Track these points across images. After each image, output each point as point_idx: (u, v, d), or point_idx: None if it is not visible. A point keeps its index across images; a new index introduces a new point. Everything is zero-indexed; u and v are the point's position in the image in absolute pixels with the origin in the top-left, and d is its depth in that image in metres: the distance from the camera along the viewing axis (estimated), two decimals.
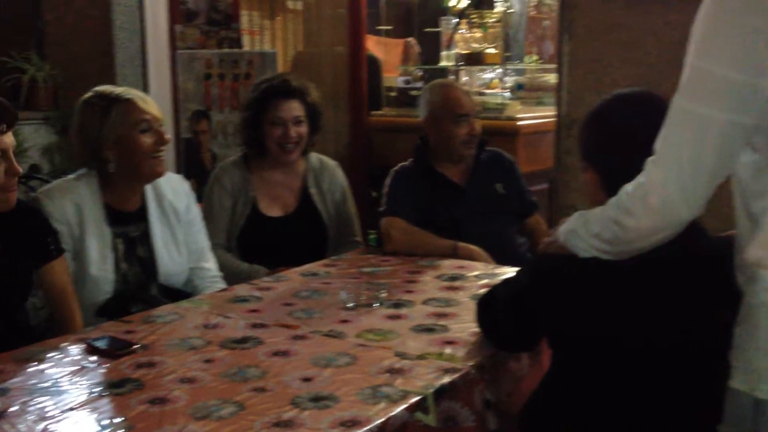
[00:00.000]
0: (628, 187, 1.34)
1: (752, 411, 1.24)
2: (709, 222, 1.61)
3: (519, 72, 4.78)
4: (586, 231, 1.45)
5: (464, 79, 5.06)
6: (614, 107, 1.56)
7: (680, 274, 1.47)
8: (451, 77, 4.80)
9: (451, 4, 4.66)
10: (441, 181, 2.71)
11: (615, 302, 1.47)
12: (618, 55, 2.69)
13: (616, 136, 1.51)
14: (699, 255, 1.50)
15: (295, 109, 2.65)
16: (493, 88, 4.60)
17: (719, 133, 1.21)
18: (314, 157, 2.79)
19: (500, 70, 4.23)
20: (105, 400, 1.45)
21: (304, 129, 2.67)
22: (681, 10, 2.54)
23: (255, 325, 1.83)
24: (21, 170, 1.84)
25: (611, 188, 1.49)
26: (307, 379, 1.51)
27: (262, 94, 2.66)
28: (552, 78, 3.46)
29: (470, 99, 2.78)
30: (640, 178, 1.32)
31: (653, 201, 1.28)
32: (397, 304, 2.00)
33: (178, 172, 4.04)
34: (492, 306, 1.69)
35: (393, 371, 1.55)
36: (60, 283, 2.00)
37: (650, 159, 1.30)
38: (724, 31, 1.19)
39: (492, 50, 4.01)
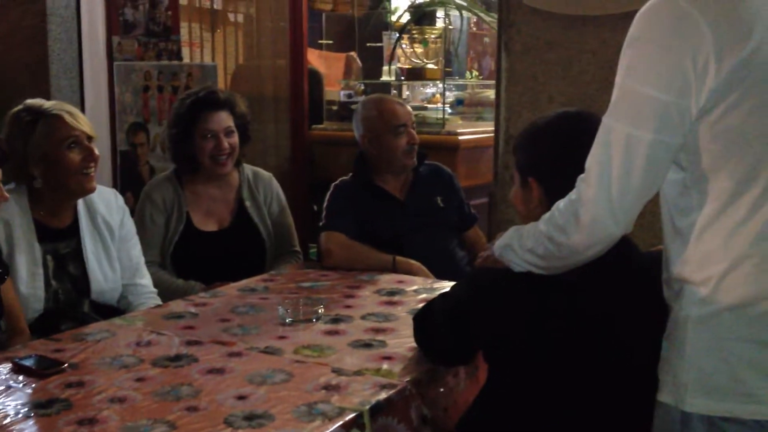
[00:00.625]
0: (560, 204, 1.37)
1: (680, 425, 1.26)
2: (643, 237, 1.65)
3: (460, 87, 4.82)
4: (520, 246, 1.47)
5: (406, 93, 5.09)
6: (562, 124, 1.58)
7: (613, 289, 1.50)
8: (394, 92, 4.82)
9: (393, 19, 4.68)
10: (381, 195, 2.71)
11: (550, 316, 1.48)
12: (554, 73, 2.74)
13: (566, 151, 1.53)
14: (631, 270, 1.53)
15: (225, 120, 2.63)
16: (434, 103, 4.63)
17: (646, 152, 1.23)
18: (248, 169, 2.78)
19: (442, 86, 4.26)
20: (31, 422, 1.40)
21: (235, 140, 2.65)
22: (614, 30, 2.60)
23: (189, 342, 1.80)
24: None
25: (554, 202, 1.52)
26: (241, 397, 1.49)
27: (190, 108, 2.63)
28: (491, 94, 3.51)
29: (405, 109, 2.80)
30: (571, 195, 1.35)
31: (584, 218, 1.30)
32: (336, 320, 1.99)
33: (115, 185, 3.97)
34: (429, 320, 1.69)
35: (329, 388, 1.54)
36: (8, 300, 1.95)
37: (581, 177, 1.33)
38: (651, 53, 1.22)
39: (433, 66, 4.04)
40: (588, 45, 2.66)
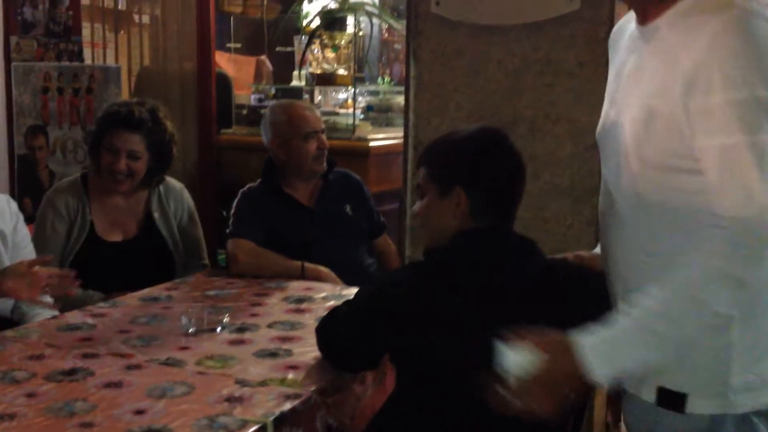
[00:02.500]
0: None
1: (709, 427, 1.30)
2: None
3: (372, 93, 4.83)
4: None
5: (318, 98, 5.07)
6: (490, 137, 1.63)
7: (519, 296, 1.52)
8: (305, 97, 4.79)
9: (304, 23, 4.65)
10: (289, 203, 2.69)
11: (455, 314, 1.49)
12: (462, 81, 2.77)
13: (497, 163, 1.57)
14: (539, 276, 1.56)
15: (132, 142, 2.52)
16: (346, 108, 4.62)
17: None
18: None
19: (354, 91, 4.26)
20: None
21: (139, 165, 2.53)
22: (519, 40, 2.65)
23: (86, 355, 1.74)
24: None
25: (481, 212, 1.54)
26: (139, 412, 1.44)
27: (104, 119, 2.56)
28: (402, 100, 3.53)
29: (315, 114, 2.79)
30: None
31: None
32: (241, 329, 1.95)
33: (12, 190, 3.79)
34: (334, 327, 1.68)
35: (232, 399, 1.51)
36: None
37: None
38: (737, 58, 1.18)
39: (343, 72, 4.04)
40: (494, 54, 2.70)
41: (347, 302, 1.69)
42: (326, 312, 1.77)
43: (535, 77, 2.65)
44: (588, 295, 1.55)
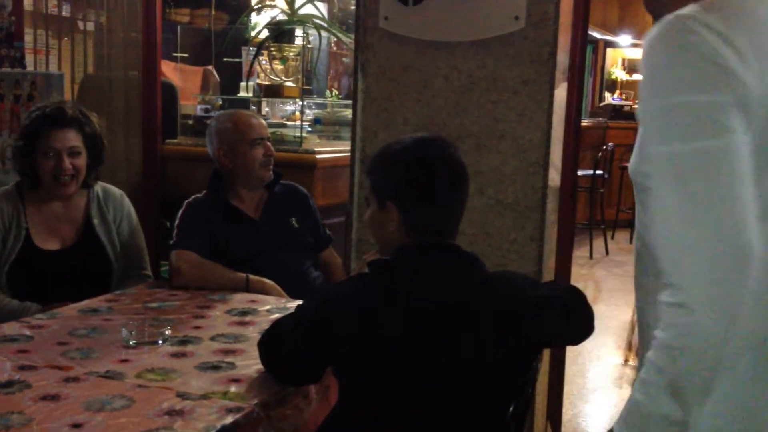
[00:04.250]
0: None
1: None
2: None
3: (320, 106, 4.84)
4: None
5: (266, 110, 5.05)
6: (418, 150, 1.62)
7: (459, 310, 1.54)
8: (253, 108, 4.77)
9: (252, 34, 4.64)
10: (235, 214, 2.67)
11: (395, 324, 1.50)
12: (409, 95, 2.79)
13: (422, 176, 1.57)
14: (475, 282, 1.58)
15: (70, 139, 2.49)
16: (294, 120, 4.62)
17: (730, 158, 1.05)
18: (98, 185, 2.65)
19: (301, 103, 4.26)
20: None
21: (81, 161, 2.52)
22: (465, 57, 2.69)
23: (22, 367, 1.69)
24: None
25: (414, 227, 1.56)
26: (77, 425, 1.41)
27: (35, 123, 2.50)
28: (350, 113, 3.54)
29: (260, 122, 2.80)
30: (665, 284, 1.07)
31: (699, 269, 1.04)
32: (183, 341, 1.93)
33: None
34: (276, 340, 1.67)
35: (173, 413, 1.49)
36: None
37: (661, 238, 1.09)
38: (674, 61, 1.09)
39: (291, 84, 4.03)
40: (441, 70, 2.73)
41: (290, 315, 1.68)
42: (270, 325, 1.76)
43: (480, 94, 2.69)
44: (526, 308, 1.58)
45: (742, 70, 1.06)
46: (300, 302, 1.73)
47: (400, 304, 1.51)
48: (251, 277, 2.48)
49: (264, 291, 2.45)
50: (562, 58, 2.73)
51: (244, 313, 2.21)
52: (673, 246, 1.06)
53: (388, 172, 1.62)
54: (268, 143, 2.73)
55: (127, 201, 2.71)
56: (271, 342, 1.68)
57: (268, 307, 2.26)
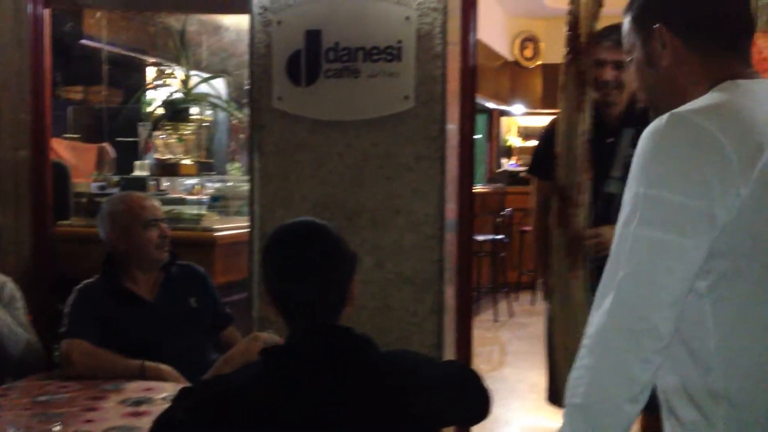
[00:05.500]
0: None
1: None
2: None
3: (223, 180, 4.82)
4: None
5: (166, 184, 4.99)
6: (274, 239, 1.64)
7: (356, 394, 1.54)
8: (152, 183, 4.71)
9: (150, 109, 4.61)
10: (129, 298, 2.61)
11: (288, 424, 1.49)
12: (306, 173, 2.83)
13: (278, 266, 1.58)
14: (376, 373, 1.58)
15: None
16: (195, 194, 4.58)
17: (682, 257, 1.19)
18: None
19: (198, 181, 4.23)
20: None
21: None
22: (358, 135, 2.76)
23: None
24: None
25: (287, 315, 1.57)
26: None
27: None
28: None
29: (153, 203, 2.75)
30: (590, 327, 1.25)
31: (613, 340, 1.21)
32: None
33: None
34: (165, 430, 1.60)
35: None
36: None
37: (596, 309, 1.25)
38: (673, 163, 1.21)
39: (187, 161, 4.01)
40: (335, 148, 2.79)
41: (180, 405, 1.62)
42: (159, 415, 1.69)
43: (375, 171, 2.75)
44: (420, 391, 1.59)
45: (722, 179, 1.18)
46: (202, 380, 1.69)
47: (289, 391, 1.50)
48: (146, 363, 2.41)
49: (160, 377, 2.38)
50: (453, 132, 2.83)
51: (138, 402, 2.14)
52: (614, 302, 1.21)
53: (261, 265, 1.64)
54: (163, 224, 2.69)
55: (10, 284, 2.61)
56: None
57: (164, 395, 2.20)
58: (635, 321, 1.19)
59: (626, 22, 1.41)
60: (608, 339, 1.21)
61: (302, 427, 1.48)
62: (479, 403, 1.68)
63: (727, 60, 1.32)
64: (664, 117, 1.23)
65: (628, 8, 1.41)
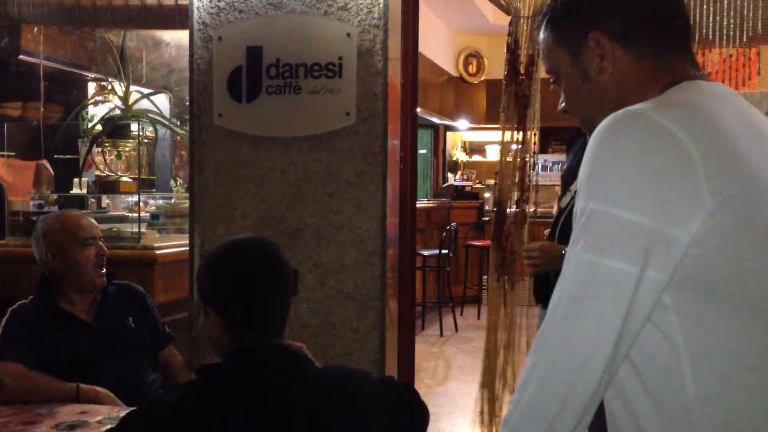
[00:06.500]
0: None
1: None
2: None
3: (165, 197, 4.75)
4: None
5: (106, 202, 4.90)
6: (229, 253, 1.62)
7: (291, 412, 1.53)
8: (92, 200, 4.62)
9: (89, 126, 4.52)
10: (64, 318, 2.55)
11: None
12: (247, 190, 2.81)
13: (238, 280, 1.56)
14: (310, 391, 1.57)
15: None
16: (135, 212, 4.51)
17: (637, 291, 1.00)
18: None
19: (138, 198, 4.16)
20: None
21: None
22: (300, 151, 2.75)
23: None
24: None
25: (235, 330, 1.55)
26: None
27: None
28: None
29: (90, 221, 2.69)
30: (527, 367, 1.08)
31: (556, 386, 1.03)
32: None
33: None
34: None
35: None
36: None
37: (540, 335, 1.07)
38: (628, 173, 1.01)
39: (127, 179, 3.94)
40: (277, 164, 2.77)
41: (114, 429, 1.60)
42: None
43: (317, 187, 2.75)
44: (357, 407, 1.59)
45: (684, 192, 0.99)
46: (130, 410, 1.66)
47: (225, 409, 1.48)
48: (82, 386, 2.35)
49: (96, 400, 2.32)
50: (395, 147, 2.85)
51: (72, 427, 2.08)
52: (546, 332, 1.05)
53: (205, 278, 1.62)
54: (100, 242, 2.64)
55: None
56: None
57: (99, 418, 2.15)
58: (557, 385, 1.02)
59: (544, 37, 1.22)
60: (533, 397, 1.05)
61: None
62: (417, 421, 1.68)
63: (679, 62, 1.14)
64: (618, 113, 1.04)
65: (546, 19, 1.22)
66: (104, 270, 2.63)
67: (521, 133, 2.48)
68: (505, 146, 2.49)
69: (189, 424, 1.47)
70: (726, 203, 0.98)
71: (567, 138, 2.82)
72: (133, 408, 1.67)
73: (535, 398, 1.04)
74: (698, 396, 1.02)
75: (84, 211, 3.99)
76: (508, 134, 2.49)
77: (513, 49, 2.43)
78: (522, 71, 2.44)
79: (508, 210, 2.48)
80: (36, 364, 2.39)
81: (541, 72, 2.49)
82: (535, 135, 2.56)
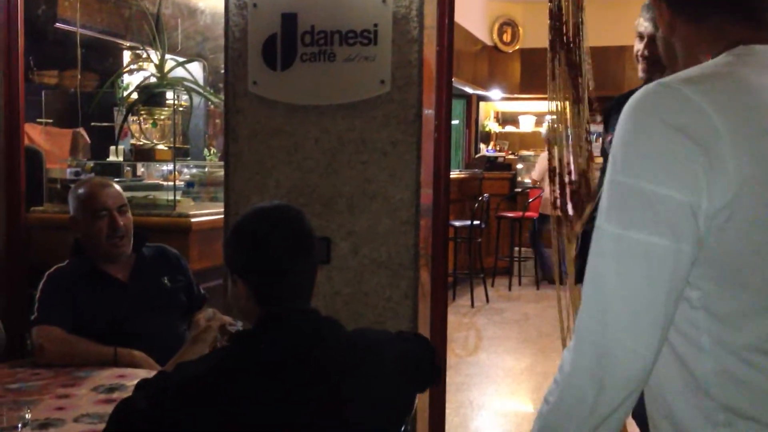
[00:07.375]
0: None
1: None
2: None
3: (199, 166, 4.78)
4: None
5: (141, 170, 4.94)
6: (253, 222, 1.62)
7: (321, 380, 1.54)
8: (127, 169, 4.67)
9: (124, 94, 4.55)
10: (102, 279, 2.58)
11: (260, 407, 1.48)
12: (280, 159, 2.81)
13: (259, 247, 1.57)
14: (343, 354, 1.58)
15: None
16: (170, 181, 4.55)
17: (671, 264, 1.01)
18: None
19: (173, 166, 4.19)
20: None
21: None
22: (334, 119, 2.74)
23: None
24: None
25: (262, 299, 1.56)
26: None
27: None
28: None
29: (108, 192, 2.64)
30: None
31: (597, 359, 1.04)
32: (45, 424, 1.84)
33: None
34: (128, 420, 1.56)
35: None
36: None
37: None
38: (654, 146, 1.02)
39: (163, 147, 3.97)
40: (311, 133, 2.77)
41: (144, 391, 1.58)
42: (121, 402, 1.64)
43: (351, 155, 2.74)
44: (384, 368, 1.61)
45: (710, 167, 0.99)
46: (163, 373, 1.68)
47: (261, 376, 1.49)
48: (119, 349, 2.39)
49: (133, 364, 2.36)
50: (429, 117, 2.83)
51: (111, 389, 2.12)
52: (587, 308, 1.06)
53: (231, 247, 1.63)
54: (116, 214, 2.59)
55: None
56: (123, 422, 1.58)
57: (137, 381, 2.18)
58: (594, 360, 1.03)
59: None
60: (570, 384, 1.06)
61: (271, 411, 1.48)
62: (430, 378, 1.77)
63: (732, 25, 1.13)
64: (650, 86, 1.06)
65: None
66: (123, 240, 2.61)
67: (576, 104, 2.41)
68: (557, 116, 2.42)
69: (223, 390, 1.49)
70: (748, 181, 0.99)
71: (601, 109, 2.78)
72: (167, 374, 1.68)
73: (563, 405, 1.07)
74: (715, 371, 1.04)
75: (118, 179, 4.04)
76: (555, 104, 2.43)
77: (558, 15, 2.36)
78: (571, 38, 2.37)
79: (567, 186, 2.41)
80: (74, 325, 2.44)
81: (587, 41, 2.42)
82: (587, 105, 2.50)
